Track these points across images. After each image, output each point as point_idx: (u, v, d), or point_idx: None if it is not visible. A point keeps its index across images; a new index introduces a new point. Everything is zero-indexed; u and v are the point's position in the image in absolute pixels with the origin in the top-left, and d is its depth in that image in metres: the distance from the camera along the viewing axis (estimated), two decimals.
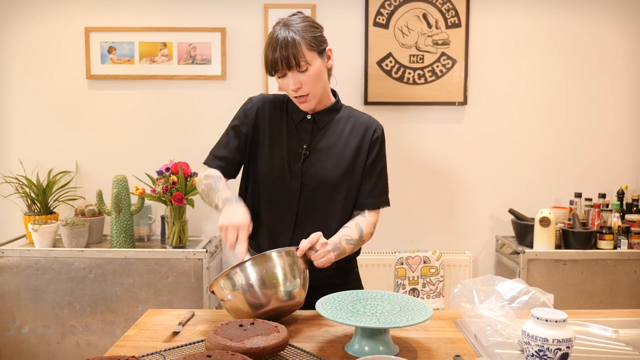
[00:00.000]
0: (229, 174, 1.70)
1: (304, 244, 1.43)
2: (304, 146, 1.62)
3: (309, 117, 1.65)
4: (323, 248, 1.45)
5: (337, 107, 1.68)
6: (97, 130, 2.98)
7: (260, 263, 1.34)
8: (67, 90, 2.96)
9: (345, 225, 1.62)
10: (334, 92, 1.70)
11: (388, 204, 1.70)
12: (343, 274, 1.70)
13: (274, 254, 1.37)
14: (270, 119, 1.66)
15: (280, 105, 1.68)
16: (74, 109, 2.97)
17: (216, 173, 1.65)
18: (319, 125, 1.64)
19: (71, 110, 2.97)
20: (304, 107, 1.61)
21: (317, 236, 1.44)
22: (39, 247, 2.61)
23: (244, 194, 1.71)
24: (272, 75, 1.56)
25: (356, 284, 1.75)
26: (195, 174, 2.65)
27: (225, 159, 1.67)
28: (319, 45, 1.56)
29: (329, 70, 1.65)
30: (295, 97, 1.57)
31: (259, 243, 1.67)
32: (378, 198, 1.67)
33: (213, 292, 1.40)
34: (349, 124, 1.66)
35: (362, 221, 1.63)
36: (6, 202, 2.94)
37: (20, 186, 2.83)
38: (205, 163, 1.71)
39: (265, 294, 1.32)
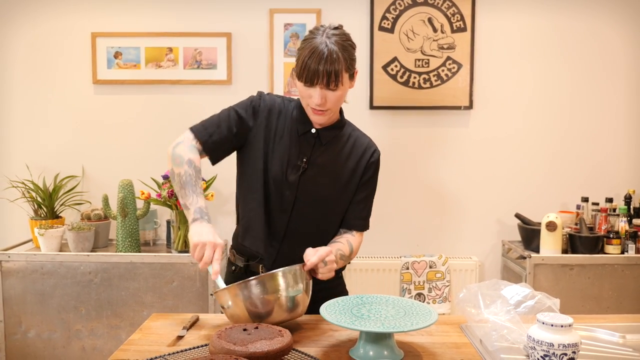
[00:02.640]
0: (214, 157, 1.62)
1: (314, 260, 1.41)
2: (304, 159, 1.60)
3: (313, 131, 1.61)
4: (332, 264, 1.45)
5: (341, 124, 1.66)
6: (103, 134, 2.99)
7: (267, 282, 1.33)
8: (73, 95, 2.97)
9: (337, 240, 1.62)
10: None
11: (369, 228, 1.72)
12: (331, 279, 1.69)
13: (280, 277, 1.34)
14: (276, 125, 1.62)
15: (286, 113, 1.64)
16: (81, 114, 2.98)
17: (198, 164, 1.55)
18: (322, 140, 1.62)
19: (77, 115, 2.98)
20: (317, 119, 1.57)
21: (326, 252, 1.44)
22: (45, 251, 2.62)
23: (238, 198, 1.69)
24: (302, 81, 1.51)
25: (342, 288, 1.75)
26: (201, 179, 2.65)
27: (218, 137, 1.58)
28: (353, 67, 1.54)
29: None
30: (314, 109, 1.54)
31: (246, 252, 1.65)
32: (365, 220, 1.70)
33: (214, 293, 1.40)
34: (350, 143, 1.65)
35: (352, 240, 1.64)
36: (13, 207, 2.95)
37: (27, 191, 2.85)
38: (193, 132, 1.59)
39: (267, 302, 1.32)
